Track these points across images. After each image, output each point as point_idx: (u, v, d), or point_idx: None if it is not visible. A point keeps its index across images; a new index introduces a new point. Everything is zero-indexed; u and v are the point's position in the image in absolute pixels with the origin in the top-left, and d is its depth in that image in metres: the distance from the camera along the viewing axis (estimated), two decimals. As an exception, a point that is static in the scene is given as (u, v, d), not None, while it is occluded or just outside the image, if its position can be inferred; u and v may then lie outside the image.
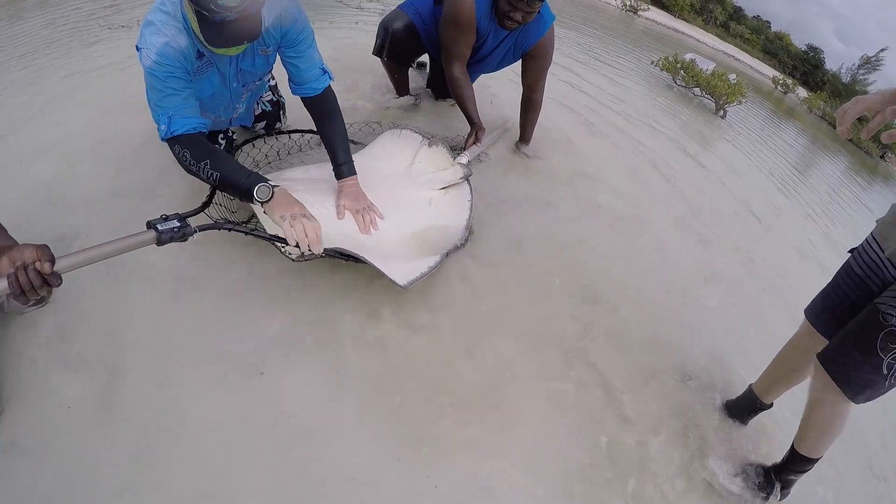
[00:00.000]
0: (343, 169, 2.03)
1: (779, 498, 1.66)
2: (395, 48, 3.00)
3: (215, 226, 1.54)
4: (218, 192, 1.85)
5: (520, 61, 2.94)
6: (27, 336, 1.57)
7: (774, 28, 47.51)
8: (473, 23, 2.66)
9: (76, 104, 2.66)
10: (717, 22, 39.50)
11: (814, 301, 1.70)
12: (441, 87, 3.40)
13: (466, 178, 2.48)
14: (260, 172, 1.92)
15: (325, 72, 2.05)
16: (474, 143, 2.76)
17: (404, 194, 2.30)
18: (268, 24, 1.73)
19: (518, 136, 3.25)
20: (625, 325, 2.20)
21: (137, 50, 1.66)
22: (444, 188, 2.41)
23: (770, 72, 30.77)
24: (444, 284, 2.12)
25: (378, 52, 3.06)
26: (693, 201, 3.59)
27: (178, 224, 1.39)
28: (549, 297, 2.23)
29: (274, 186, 1.68)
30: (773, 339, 2.10)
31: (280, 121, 2.61)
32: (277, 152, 2.48)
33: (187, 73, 1.72)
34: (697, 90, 7.55)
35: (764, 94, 17.14)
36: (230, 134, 2.38)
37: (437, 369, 1.77)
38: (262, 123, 2.55)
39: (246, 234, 1.64)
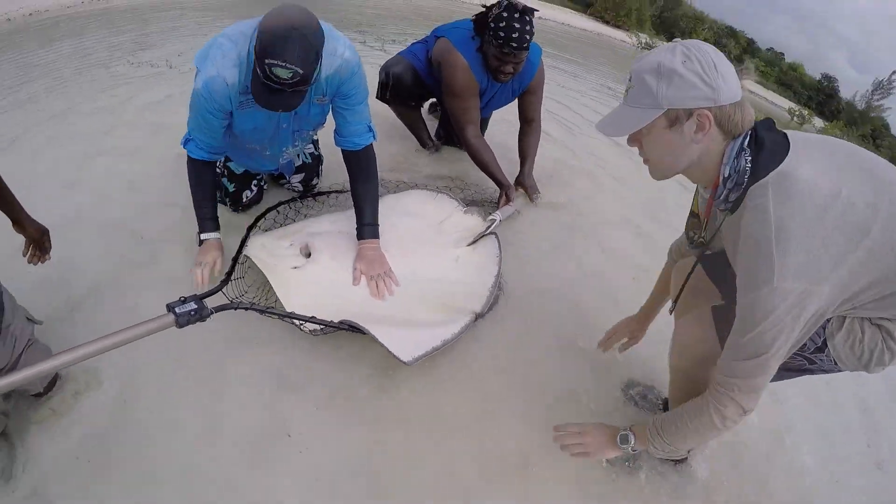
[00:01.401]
0: (366, 230, 2.02)
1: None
2: (397, 90, 2.95)
3: (231, 306, 1.51)
4: (238, 268, 1.94)
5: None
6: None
7: (788, 59, 47.14)
8: (476, 87, 2.67)
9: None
10: (732, 56, 38.90)
11: None
12: (453, 135, 3.25)
13: (494, 228, 2.43)
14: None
15: (370, 129, 2.03)
16: (507, 202, 2.73)
17: (431, 251, 2.25)
18: (329, 73, 1.79)
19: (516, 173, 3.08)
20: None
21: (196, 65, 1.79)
22: (472, 244, 2.34)
23: (786, 103, 30.28)
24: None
25: (381, 95, 3.03)
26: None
27: (196, 306, 1.36)
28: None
29: (204, 240, 1.97)
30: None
31: (318, 175, 2.61)
32: (305, 216, 2.45)
33: (225, 112, 1.81)
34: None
35: (781, 126, 16.60)
36: (262, 184, 2.46)
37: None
38: (301, 176, 2.54)
39: (261, 312, 1.65)
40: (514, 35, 2.42)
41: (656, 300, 1.79)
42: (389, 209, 2.28)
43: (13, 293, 1.43)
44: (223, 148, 2.01)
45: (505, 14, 2.43)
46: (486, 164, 2.79)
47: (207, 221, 1.99)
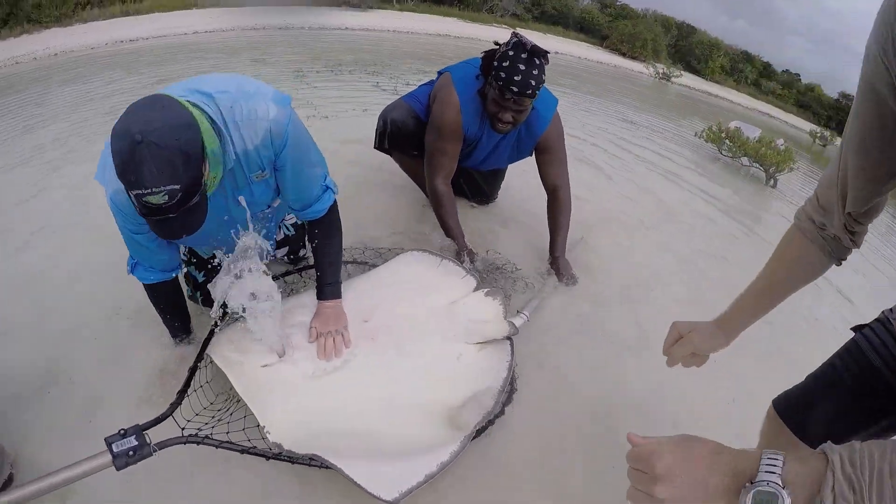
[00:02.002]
0: (326, 290, 1.80)
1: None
2: (396, 138, 2.70)
3: (178, 440, 1.33)
4: (205, 371, 1.69)
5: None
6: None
7: (805, 80, 46.70)
8: (459, 130, 2.40)
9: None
10: (749, 81, 39.02)
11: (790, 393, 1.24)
12: (461, 184, 2.97)
13: (511, 336, 2.02)
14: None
15: (327, 188, 1.75)
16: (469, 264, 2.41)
17: (428, 342, 1.89)
18: (257, 143, 1.44)
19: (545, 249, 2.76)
20: None
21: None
22: (479, 343, 1.96)
23: (806, 125, 29.87)
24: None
25: (378, 144, 2.80)
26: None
27: (136, 443, 1.20)
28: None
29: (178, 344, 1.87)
30: None
31: (305, 246, 2.33)
32: (292, 291, 2.16)
33: (145, 226, 1.48)
34: (745, 160, 7.08)
35: (803, 147, 16.44)
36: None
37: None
38: (285, 250, 2.28)
39: (217, 447, 1.39)
40: (515, 78, 2.13)
41: (757, 301, 1.22)
42: (381, 282, 2.06)
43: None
44: (172, 262, 1.71)
45: (511, 53, 2.15)
46: (444, 219, 2.54)
47: (178, 334, 1.91)
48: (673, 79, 24.69)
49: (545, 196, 2.67)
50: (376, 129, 2.74)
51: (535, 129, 2.48)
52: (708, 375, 1.63)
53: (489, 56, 2.26)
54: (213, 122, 1.32)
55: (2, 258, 2.47)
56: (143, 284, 1.72)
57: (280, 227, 2.22)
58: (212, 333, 1.78)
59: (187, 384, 1.58)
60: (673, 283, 2.98)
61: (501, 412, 1.77)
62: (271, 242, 1.98)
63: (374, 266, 2.24)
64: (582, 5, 35.10)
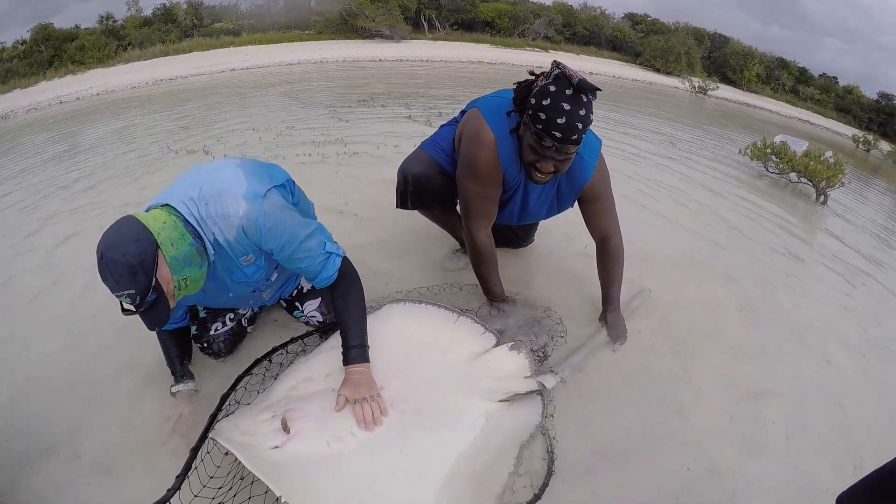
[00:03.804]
0: (352, 354, 1.68)
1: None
2: (419, 195, 2.29)
3: None
4: (199, 459, 1.54)
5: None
6: None
7: (843, 82, 44.85)
8: (498, 170, 1.97)
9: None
10: (786, 88, 37.61)
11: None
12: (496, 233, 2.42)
13: (541, 391, 1.81)
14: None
15: (329, 254, 1.72)
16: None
17: (452, 402, 1.71)
18: (233, 236, 1.58)
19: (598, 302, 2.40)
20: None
21: None
22: (506, 400, 1.75)
23: (847, 130, 28.54)
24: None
25: (401, 204, 2.35)
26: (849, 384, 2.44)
27: None
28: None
29: (174, 392, 1.86)
30: None
31: None
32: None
33: None
34: (793, 175, 6.60)
35: (847, 153, 15.59)
36: (244, 320, 2.13)
37: None
38: (318, 301, 2.14)
39: None
40: (559, 120, 1.66)
41: None
42: (395, 335, 1.87)
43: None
44: (180, 318, 1.91)
45: (552, 88, 1.68)
46: (485, 277, 2.26)
47: (178, 376, 1.90)
48: (709, 92, 23.82)
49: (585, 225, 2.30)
50: (396, 188, 2.33)
51: (579, 178, 2.06)
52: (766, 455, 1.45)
53: (524, 89, 1.81)
54: (188, 224, 1.53)
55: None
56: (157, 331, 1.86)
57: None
58: (213, 419, 1.65)
59: (187, 468, 1.49)
60: (724, 332, 2.63)
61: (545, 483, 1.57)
62: (284, 293, 2.15)
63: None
64: (613, 23, 34.67)
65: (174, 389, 1.87)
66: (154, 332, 1.84)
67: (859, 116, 41.00)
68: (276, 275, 1.94)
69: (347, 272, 1.76)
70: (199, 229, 1.55)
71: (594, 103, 1.72)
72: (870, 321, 3.10)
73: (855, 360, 2.62)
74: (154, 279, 1.41)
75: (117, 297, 1.37)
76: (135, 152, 5.53)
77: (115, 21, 26.50)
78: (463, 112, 2.19)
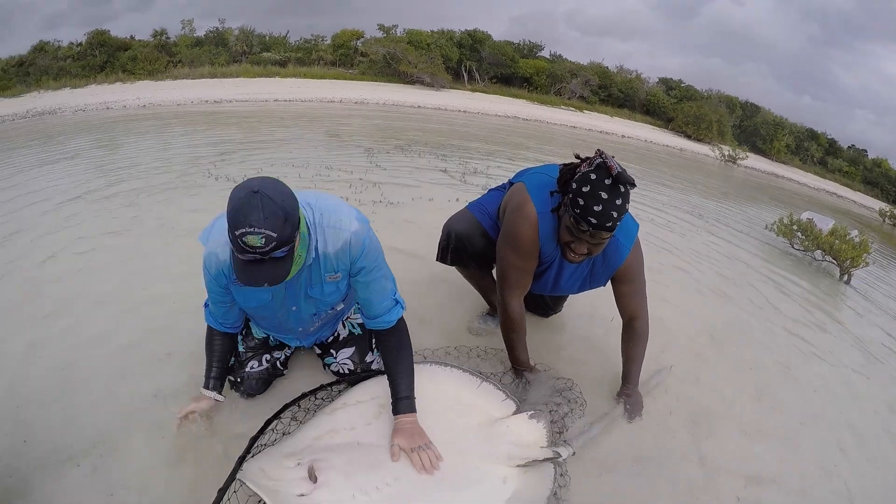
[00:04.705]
0: (402, 404, 1.77)
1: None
2: (459, 253, 2.45)
3: None
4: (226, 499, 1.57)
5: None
6: None
7: (871, 155, 44.29)
8: (536, 247, 2.09)
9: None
10: (815, 159, 37.36)
11: None
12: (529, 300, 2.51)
13: (556, 460, 1.84)
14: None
15: (396, 302, 1.86)
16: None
17: (472, 464, 1.76)
18: (337, 248, 1.68)
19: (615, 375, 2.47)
20: None
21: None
22: (523, 465, 1.80)
23: (874, 203, 28.08)
24: None
25: (441, 258, 2.53)
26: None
27: None
28: None
29: (205, 391, 1.89)
30: None
31: (372, 349, 2.18)
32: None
33: (222, 287, 1.77)
34: (818, 253, 6.57)
35: (873, 228, 15.35)
36: (279, 363, 2.18)
37: None
38: (350, 351, 2.15)
39: None
40: (595, 208, 1.75)
41: None
42: (421, 396, 1.86)
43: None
44: (236, 323, 1.97)
45: (592, 176, 1.77)
46: (514, 345, 2.30)
47: (211, 379, 1.92)
48: (739, 161, 23.85)
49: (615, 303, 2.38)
50: (439, 242, 2.51)
51: (613, 260, 2.15)
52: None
53: (568, 171, 1.91)
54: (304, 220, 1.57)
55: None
56: (207, 325, 1.96)
57: (344, 325, 2.21)
58: (241, 461, 1.67)
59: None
60: (743, 412, 2.64)
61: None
62: (325, 334, 2.17)
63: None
64: (647, 87, 35.03)
65: (203, 392, 1.91)
66: (203, 355, 1.96)
67: (887, 190, 40.38)
68: (342, 305, 2.01)
69: (403, 327, 1.88)
70: (310, 230, 1.63)
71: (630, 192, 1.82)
72: (883, 408, 3.07)
73: (863, 448, 2.61)
74: (296, 237, 1.45)
75: (251, 234, 1.33)
76: (172, 172, 5.79)
77: (167, 38, 27.45)
78: (511, 182, 2.34)
